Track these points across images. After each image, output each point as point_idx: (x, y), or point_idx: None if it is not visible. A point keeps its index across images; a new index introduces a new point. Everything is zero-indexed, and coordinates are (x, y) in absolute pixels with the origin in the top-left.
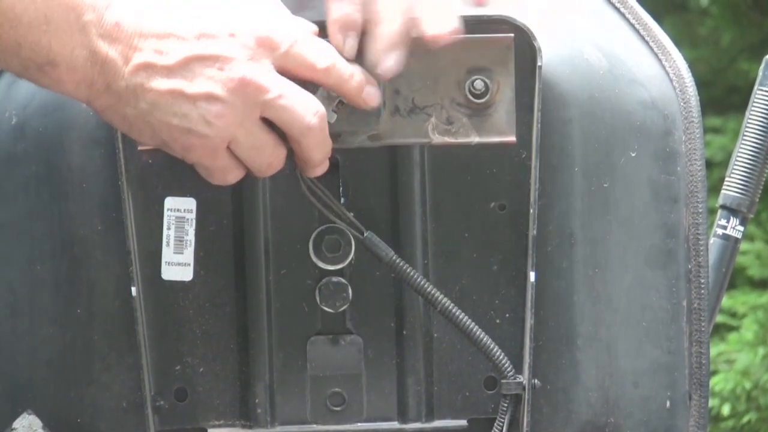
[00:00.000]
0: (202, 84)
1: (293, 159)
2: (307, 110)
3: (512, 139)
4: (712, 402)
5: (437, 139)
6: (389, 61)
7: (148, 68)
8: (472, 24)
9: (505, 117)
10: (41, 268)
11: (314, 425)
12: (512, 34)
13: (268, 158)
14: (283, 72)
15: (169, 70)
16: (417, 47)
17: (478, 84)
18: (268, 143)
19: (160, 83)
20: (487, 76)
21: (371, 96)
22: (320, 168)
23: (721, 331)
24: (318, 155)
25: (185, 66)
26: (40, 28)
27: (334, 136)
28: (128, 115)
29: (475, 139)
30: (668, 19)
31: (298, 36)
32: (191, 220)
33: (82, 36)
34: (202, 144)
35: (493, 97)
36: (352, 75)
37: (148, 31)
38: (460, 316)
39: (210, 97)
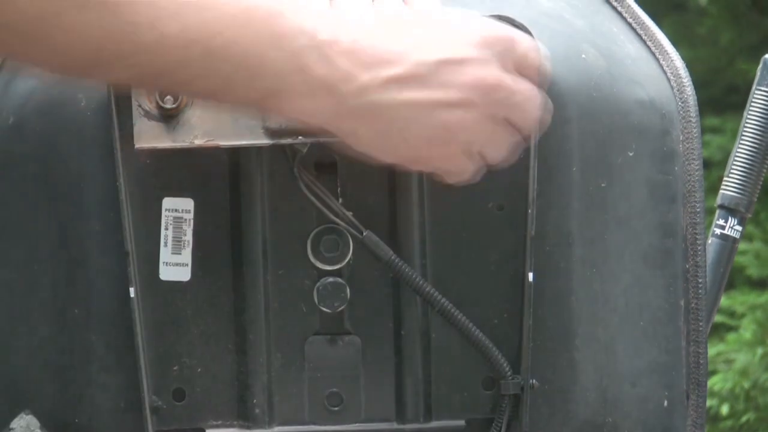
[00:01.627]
0: (442, 90)
1: (292, 157)
2: (538, 105)
3: None
4: (711, 402)
5: None
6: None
7: (384, 82)
8: None
9: None
10: (39, 268)
11: (312, 425)
12: None
13: (506, 151)
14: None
15: (405, 81)
16: None
17: None
18: (506, 138)
19: (400, 95)
20: None
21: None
22: None
23: (719, 330)
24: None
25: (421, 74)
26: (250, 62)
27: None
28: (366, 134)
29: None
30: (667, 19)
31: (515, 36)
32: (189, 220)
33: (299, 61)
34: (448, 152)
35: None
36: (538, 93)
37: (372, 44)
38: (459, 316)
39: (452, 103)
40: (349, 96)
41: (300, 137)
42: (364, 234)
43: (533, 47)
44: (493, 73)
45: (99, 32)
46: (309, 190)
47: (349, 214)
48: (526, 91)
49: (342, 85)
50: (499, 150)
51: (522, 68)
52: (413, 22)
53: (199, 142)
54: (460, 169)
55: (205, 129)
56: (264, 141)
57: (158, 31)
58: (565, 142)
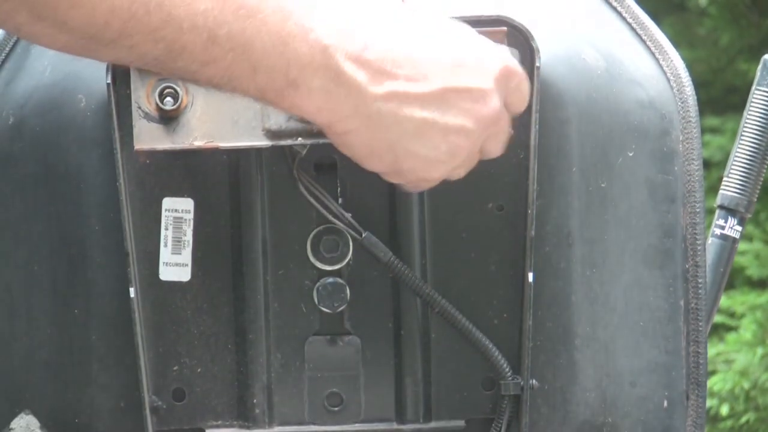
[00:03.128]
0: (456, 117)
1: (291, 159)
2: (504, 141)
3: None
4: (711, 402)
5: None
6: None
7: (403, 96)
8: (470, 24)
9: None
10: (39, 268)
11: (312, 425)
12: (504, 28)
13: (468, 168)
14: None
15: (424, 99)
16: None
17: None
18: (474, 161)
19: (415, 112)
20: None
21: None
22: None
23: (719, 331)
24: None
25: (441, 96)
26: (276, 50)
27: None
28: (371, 142)
29: None
30: (667, 20)
31: (519, 71)
32: (189, 220)
33: (324, 58)
34: (440, 174)
35: None
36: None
37: (399, 56)
38: (458, 317)
39: (461, 131)
40: (365, 100)
41: (299, 139)
42: (364, 235)
43: (527, 83)
44: (497, 108)
45: (106, 7)
46: (308, 192)
47: (348, 215)
48: (506, 126)
49: (362, 90)
50: (465, 170)
51: (509, 103)
52: (440, 38)
53: (198, 143)
54: (425, 185)
55: (205, 130)
56: (263, 143)
57: (166, 11)
58: (565, 143)
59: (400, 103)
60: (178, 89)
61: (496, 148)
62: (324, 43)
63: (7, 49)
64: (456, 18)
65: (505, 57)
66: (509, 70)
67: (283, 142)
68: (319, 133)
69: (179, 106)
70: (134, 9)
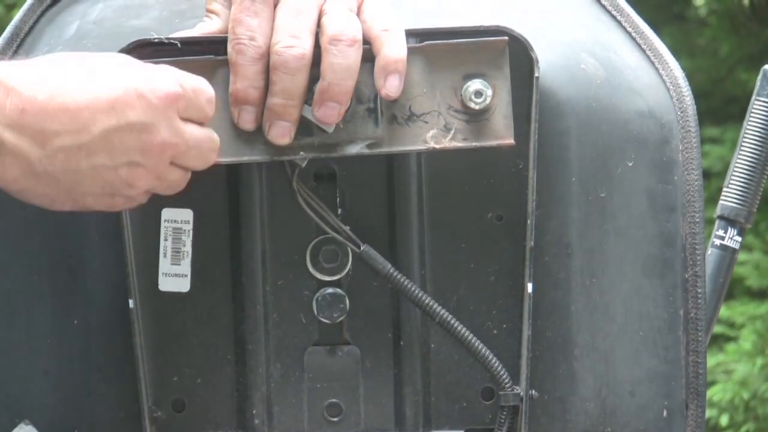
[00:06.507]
0: (123, 154)
1: (291, 170)
2: (209, 150)
3: (510, 142)
4: (711, 412)
5: (435, 145)
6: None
7: (67, 150)
8: (470, 34)
9: (503, 121)
10: (38, 278)
11: None
12: (506, 38)
13: (180, 187)
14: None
15: (88, 148)
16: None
17: (474, 89)
18: (181, 178)
19: (81, 162)
20: (483, 80)
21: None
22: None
23: (719, 341)
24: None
25: (104, 139)
26: None
27: (333, 145)
28: (49, 194)
29: (474, 144)
30: (667, 30)
31: (191, 85)
32: (188, 231)
33: None
34: (125, 202)
35: (490, 102)
36: (210, 137)
37: (56, 109)
38: (458, 327)
39: (131, 164)
40: (30, 162)
41: (301, 153)
42: (362, 248)
43: (199, 99)
44: (165, 135)
45: None
46: (308, 205)
47: (347, 228)
48: (192, 142)
49: (25, 155)
50: (175, 188)
51: (189, 117)
52: (97, 79)
53: None
54: (115, 208)
55: None
56: (264, 157)
57: None
58: (565, 153)
59: (67, 157)
60: None
61: (196, 163)
62: None
63: (7, 59)
64: (456, 28)
65: (169, 82)
66: (170, 96)
67: (284, 157)
68: (320, 147)
69: None
70: None
